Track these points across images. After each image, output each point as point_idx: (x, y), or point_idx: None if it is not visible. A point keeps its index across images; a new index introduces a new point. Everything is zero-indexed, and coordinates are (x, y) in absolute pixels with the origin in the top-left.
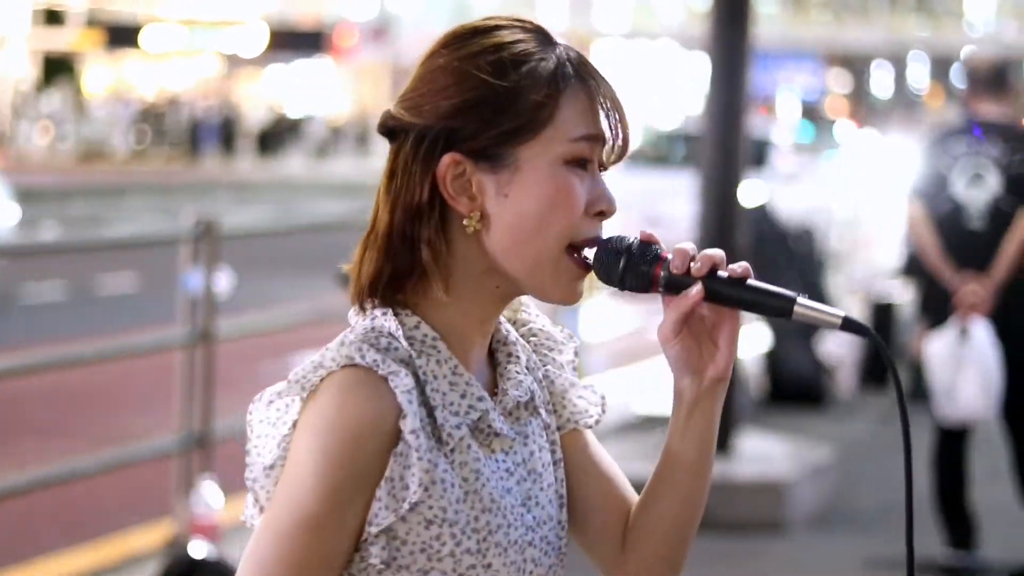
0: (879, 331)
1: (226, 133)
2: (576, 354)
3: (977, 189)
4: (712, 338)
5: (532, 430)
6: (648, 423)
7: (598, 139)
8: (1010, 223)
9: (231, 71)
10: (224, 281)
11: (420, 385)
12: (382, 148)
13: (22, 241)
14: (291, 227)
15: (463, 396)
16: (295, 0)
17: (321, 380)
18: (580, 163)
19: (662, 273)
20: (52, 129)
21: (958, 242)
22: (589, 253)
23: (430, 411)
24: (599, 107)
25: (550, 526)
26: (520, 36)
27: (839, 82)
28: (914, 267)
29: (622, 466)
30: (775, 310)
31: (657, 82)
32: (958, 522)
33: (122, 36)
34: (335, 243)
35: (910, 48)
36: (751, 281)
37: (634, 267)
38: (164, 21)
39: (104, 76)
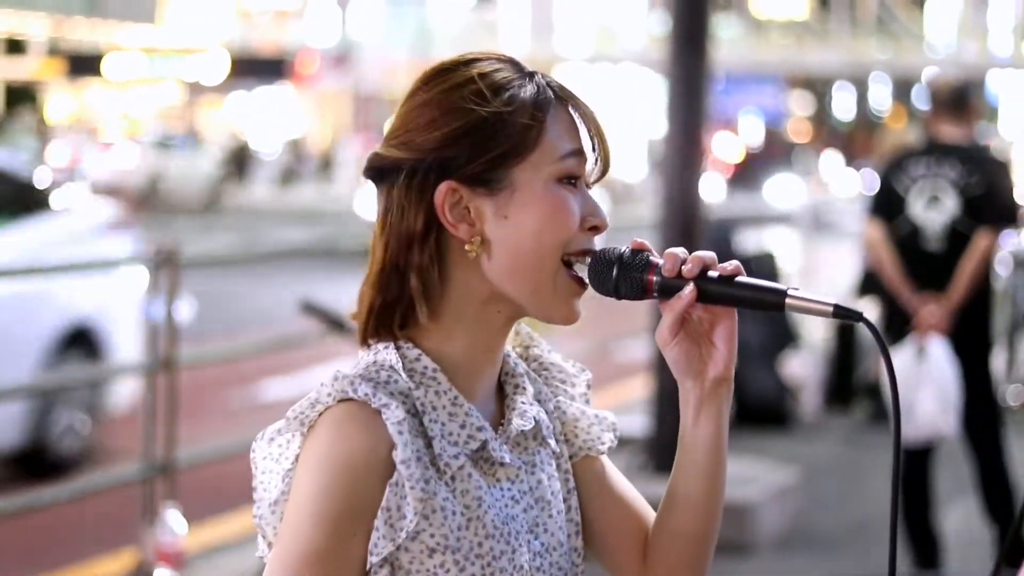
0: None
1: None
2: (588, 386)
3: (935, 211)
4: (710, 339)
5: (541, 459)
6: (622, 445)
7: (583, 155)
8: (967, 244)
9: (193, 99)
10: (185, 309)
11: (418, 416)
12: (345, 175)
13: None
14: (252, 255)
15: (462, 426)
16: (256, 27)
17: (319, 415)
18: (570, 180)
19: (655, 278)
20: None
21: (916, 263)
22: (580, 269)
23: (428, 441)
24: (580, 125)
25: (560, 552)
26: (497, 66)
27: (801, 104)
28: (871, 286)
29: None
30: (768, 304)
31: (619, 106)
32: (923, 541)
33: (84, 65)
34: (298, 269)
35: (871, 70)
36: (742, 278)
37: (627, 275)
38: (126, 49)
39: (66, 105)
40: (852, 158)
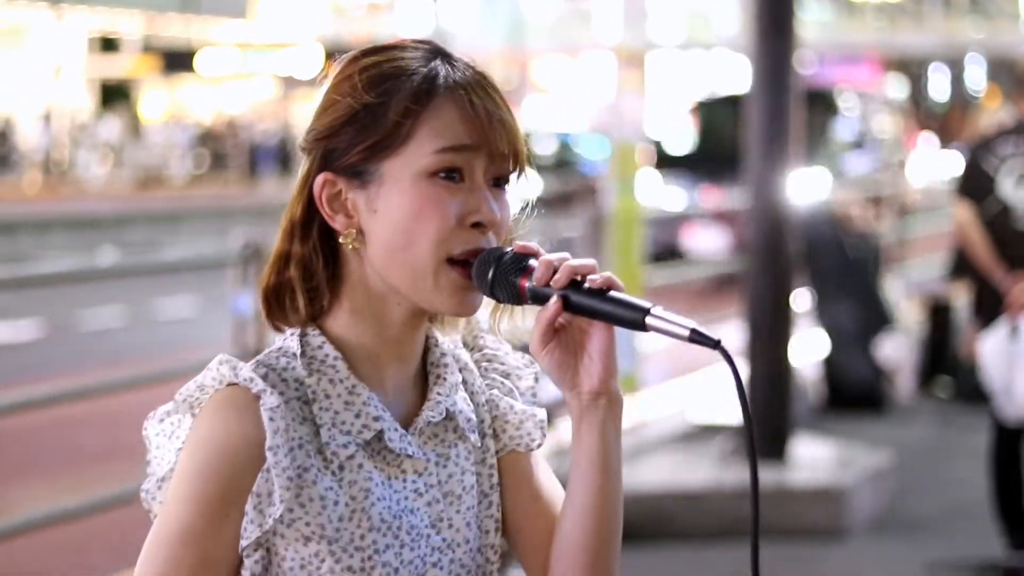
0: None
1: (283, 155)
2: (536, 380)
3: None
4: (587, 351)
5: (457, 453)
6: (704, 432)
7: (471, 149)
8: None
9: (287, 93)
10: None
11: (308, 404)
12: None
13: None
14: None
15: (357, 415)
16: (349, 20)
17: (205, 396)
18: (449, 175)
19: (527, 284)
20: (111, 156)
21: (1007, 242)
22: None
23: (316, 430)
24: (474, 119)
25: (465, 549)
26: (405, 54)
27: (895, 86)
28: (963, 268)
29: (677, 476)
30: (630, 321)
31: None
32: (1019, 523)
33: (177, 61)
34: None
35: (966, 50)
36: (614, 293)
37: (502, 278)
38: (219, 45)
39: (160, 101)
40: (948, 139)
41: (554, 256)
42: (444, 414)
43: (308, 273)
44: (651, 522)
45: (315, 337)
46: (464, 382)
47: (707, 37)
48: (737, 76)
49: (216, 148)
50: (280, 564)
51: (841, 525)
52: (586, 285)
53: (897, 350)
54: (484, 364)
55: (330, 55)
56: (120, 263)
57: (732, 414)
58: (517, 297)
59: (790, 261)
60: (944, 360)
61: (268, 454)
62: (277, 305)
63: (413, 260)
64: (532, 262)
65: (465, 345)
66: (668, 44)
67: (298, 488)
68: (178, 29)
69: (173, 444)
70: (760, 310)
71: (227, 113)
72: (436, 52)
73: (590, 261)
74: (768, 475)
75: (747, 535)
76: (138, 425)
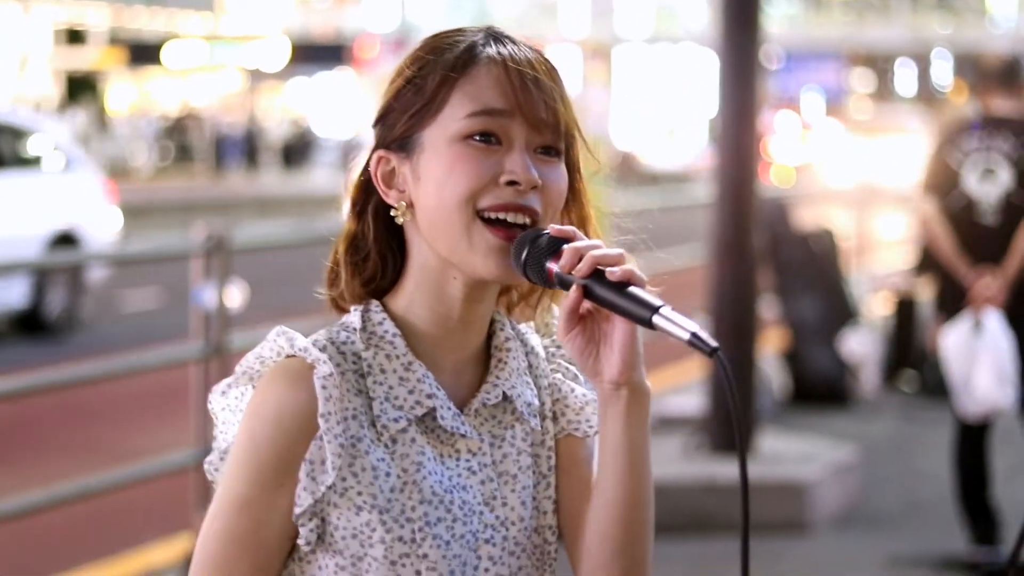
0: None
1: (250, 148)
2: None
3: (989, 184)
4: (609, 342)
5: (513, 434)
6: (667, 426)
7: (504, 115)
8: (1022, 217)
9: (253, 85)
10: (236, 295)
11: (363, 377)
12: None
13: (40, 259)
14: (303, 239)
15: (411, 391)
16: (316, 13)
17: (263, 366)
18: (486, 138)
19: (555, 271)
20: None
21: (971, 237)
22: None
23: (369, 403)
24: (508, 84)
25: (519, 527)
26: (458, 35)
27: (862, 81)
28: (928, 263)
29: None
30: (638, 317)
31: (679, 86)
32: (981, 518)
33: (144, 53)
34: None
35: (933, 46)
36: (632, 288)
37: (535, 260)
38: (186, 37)
39: (127, 94)
40: None
41: (584, 243)
42: (501, 396)
43: (355, 248)
44: None
45: (376, 313)
46: (529, 366)
47: (674, 31)
48: (703, 71)
49: (182, 140)
50: (333, 533)
51: (805, 519)
52: (608, 277)
53: (862, 344)
54: (552, 349)
55: (296, 47)
56: (84, 254)
57: (696, 406)
58: (546, 280)
59: (754, 255)
60: (909, 354)
61: (320, 421)
62: (332, 284)
63: (449, 219)
64: (565, 247)
65: (537, 331)
66: (635, 38)
67: (351, 457)
68: (145, 21)
69: (237, 417)
70: (724, 304)
71: (193, 105)
72: (491, 34)
73: (617, 251)
74: (732, 470)
75: (710, 528)
76: (99, 419)
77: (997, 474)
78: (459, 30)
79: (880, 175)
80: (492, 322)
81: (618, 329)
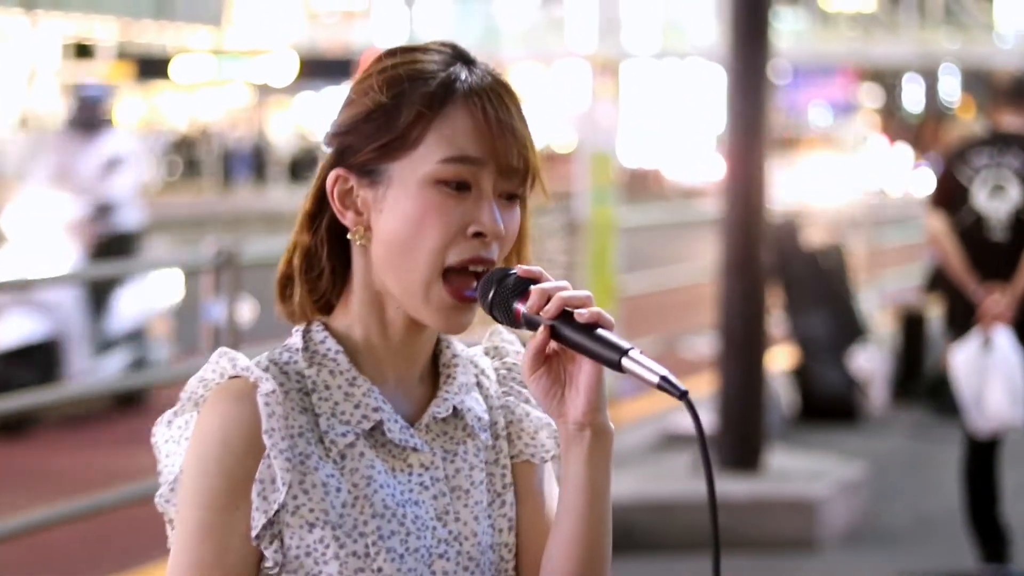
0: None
1: (258, 162)
2: None
3: (998, 200)
4: (574, 382)
5: (464, 449)
6: (675, 443)
7: (478, 162)
8: None
9: (261, 100)
10: (246, 310)
11: (308, 395)
12: None
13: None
14: None
15: (356, 406)
16: (324, 28)
17: (207, 391)
18: (456, 185)
19: (522, 311)
20: None
21: (981, 253)
22: (469, 283)
23: (316, 419)
24: (485, 130)
25: (473, 543)
26: (426, 57)
27: (870, 97)
28: (938, 280)
29: (653, 486)
30: (607, 360)
31: (687, 102)
32: (991, 535)
33: (152, 68)
34: None
35: (941, 61)
36: (600, 330)
37: (501, 300)
38: (194, 52)
39: (135, 108)
40: (922, 150)
41: (550, 284)
42: (451, 411)
43: (310, 264)
44: (620, 533)
45: (318, 332)
46: (479, 385)
47: (682, 47)
48: (711, 85)
49: (190, 155)
50: (286, 553)
51: (814, 537)
52: (575, 318)
53: (870, 361)
54: (503, 372)
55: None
56: (92, 268)
57: (705, 423)
58: (513, 320)
59: (763, 272)
60: (918, 371)
61: (264, 437)
62: (284, 295)
63: (410, 267)
64: (532, 287)
65: (487, 354)
66: (643, 53)
67: (300, 474)
68: (153, 36)
69: (182, 447)
70: (733, 321)
71: (201, 120)
72: (458, 56)
73: (584, 293)
74: (741, 486)
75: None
76: (108, 434)
77: (1006, 491)
78: (420, 48)
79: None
80: (438, 341)
81: (584, 371)
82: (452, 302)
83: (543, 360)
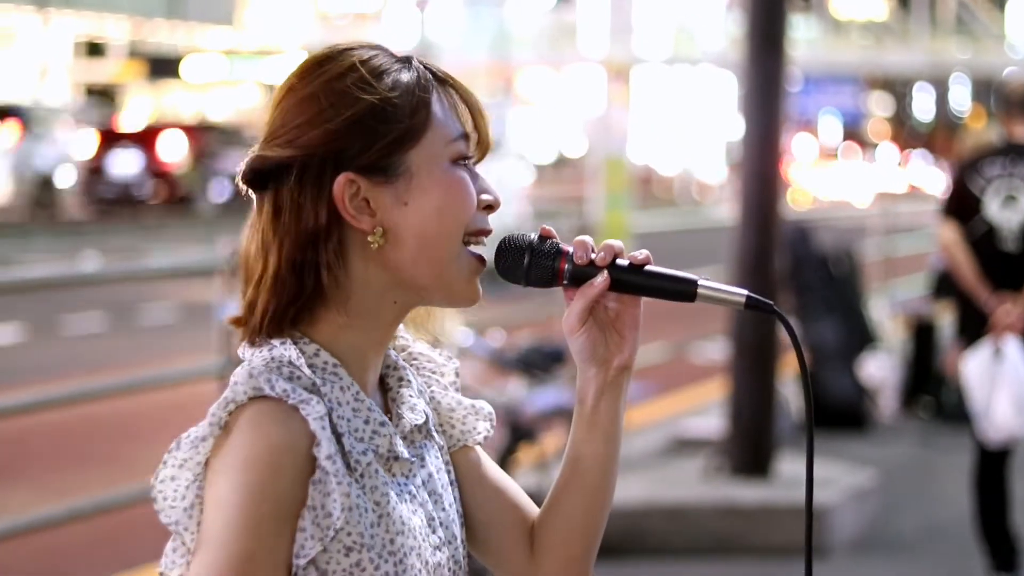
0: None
1: None
2: (457, 375)
3: (1010, 211)
4: (616, 328)
5: (428, 452)
6: (687, 448)
7: (469, 137)
8: None
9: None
10: None
11: (330, 413)
12: None
13: (58, 272)
14: None
15: (366, 422)
16: (335, 29)
17: (229, 415)
18: (463, 160)
19: (567, 266)
20: None
21: (992, 263)
22: (478, 248)
23: (338, 438)
24: (460, 106)
25: (454, 546)
26: (372, 53)
27: (880, 105)
28: (947, 288)
29: (663, 491)
30: (679, 293)
31: (697, 108)
32: (1000, 544)
33: (163, 67)
34: None
35: (951, 70)
36: (651, 267)
37: (538, 262)
38: (205, 52)
39: (146, 107)
40: (933, 159)
41: (584, 237)
42: (424, 416)
43: (302, 275)
44: (631, 537)
45: (307, 345)
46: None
47: (692, 52)
48: (721, 91)
49: None
50: None
51: (823, 544)
52: (623, 262)
53: (880, 369)
54: (412, 362)
55: None
56: (104, 269)
57: (716, 429)
58: (551, 280)
59: (776, 278)
60: (927, 379)
61: (326, 463)
62: (282, 320)
63: (445, 247)
64: (560, 245)
65: (432, 344)
66: (654, 59)
67: None
68: (164, 35)
69: (188, 471)
70: (744, 326)
71: (212, 120)
72: (388, 50)
73: (619, 242)
74: (751, 492)
75: (729, 551)
76: (120, 433)
77: (1016, 500)
78: (358, 47)
79: None
80: None
81: (629, 314)
82: (477, 267)
83: (589, 314)
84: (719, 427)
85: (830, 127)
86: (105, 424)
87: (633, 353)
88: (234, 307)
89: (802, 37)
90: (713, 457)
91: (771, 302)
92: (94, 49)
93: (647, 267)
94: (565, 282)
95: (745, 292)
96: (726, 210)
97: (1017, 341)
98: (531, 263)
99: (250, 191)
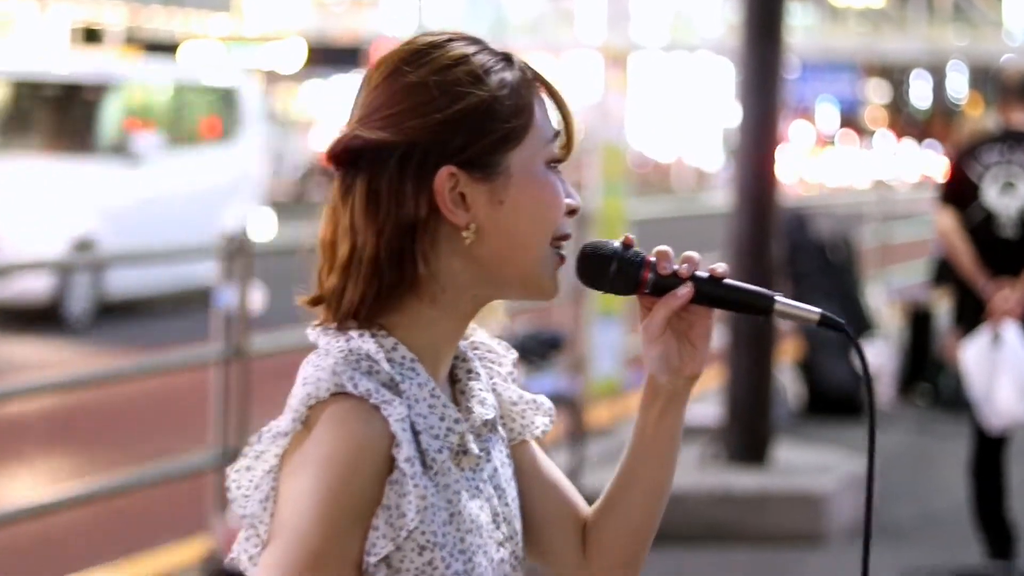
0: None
1: None
2: (514, 366)
3: (1008, 197)
4: (689, 337)
5: (494, 446)
6: (685, 434)
7: (560, 137)
8: None
9: (269, 87)
10: (258, 297)
11: (409, 410)
12: None
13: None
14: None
15: (442, 419)
16: (332, 16)
17: (309, 409)
18: (554, 163)
19: (650, 275)
20: None
21: (990, 250)
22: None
23: (415, 435)
24: (564, 106)
25: (515, 541)
26: (475, 47)
27: (877, 92)
28: (945, 275)
29: None
30: (756, 307)
31: (695, 95)
32: (997, 531)
33: (160, 53)
34: None
35: (949, 57)
36: (729, 281)
37: (625, 271)
38: (202, 38)
39: None
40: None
41: (665, 248)
42: (494, 410)
43: (400, 266)
44: None
45: (385, 339)
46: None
47: (690, 39)
48: (719, 78)
49: None
50: None
51: (820, 531)
52: (703, 274)
53: (877, 356)
54: (473, 351)
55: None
56: (103, 253)
57: (712, 416)
58: (633, 288)
59: (773, 265)
60: (924, 367)
61: (405, 465)
62: (371, 309)
63: (537, 248)
64: (643, 254)
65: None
66: (652, 45)
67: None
68: (161, 21)
69: (265, 463)
70: (741, 315)
71: None
72: (487, 44)
73: (696, 253)
74: (748, 480)
75: (725, 539)
76: (119, 419)
77: (1013, 487)
78: (458, 39)
79: None
80: None
81: (702, 325)
82: (560, 264)
83: (668, 324)
84: (716, 415)
85: (827, 114)
86: (104, 410)
87: (704, 363)
88: (232, 294)
89: (799, 24)
90: (709, 445)
91: (843, 322)
92: (91, 35)
93: (726, 280)
94: (647, 291)
95: (819, 311)
96: (723, 197)
97: (1016, 327)
98: (618, 271)
99: (335, 168)
